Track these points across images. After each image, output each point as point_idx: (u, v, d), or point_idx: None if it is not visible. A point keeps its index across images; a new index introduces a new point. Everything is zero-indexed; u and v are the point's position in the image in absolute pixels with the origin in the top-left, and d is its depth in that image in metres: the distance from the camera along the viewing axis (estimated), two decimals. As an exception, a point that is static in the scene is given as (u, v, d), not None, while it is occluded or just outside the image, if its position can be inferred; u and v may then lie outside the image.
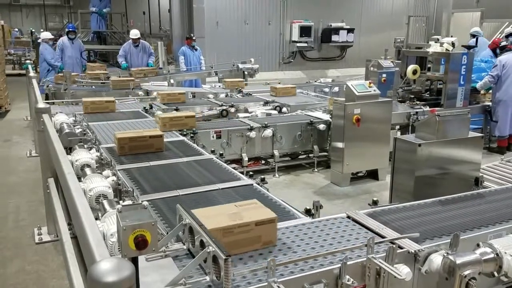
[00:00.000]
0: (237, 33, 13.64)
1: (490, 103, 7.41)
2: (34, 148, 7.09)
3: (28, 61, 10.11)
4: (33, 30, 24.19)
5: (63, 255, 2.79)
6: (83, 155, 3.79)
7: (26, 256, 4.05)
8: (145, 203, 1.79)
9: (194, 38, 11.13)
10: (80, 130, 4.79)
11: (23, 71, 13.05)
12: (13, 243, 4.30)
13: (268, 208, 2.76)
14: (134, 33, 10.49)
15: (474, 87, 7.37)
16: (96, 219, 2.73)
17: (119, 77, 8.90)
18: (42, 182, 4.25)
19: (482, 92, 7.60)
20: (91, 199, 3.00)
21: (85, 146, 4.28)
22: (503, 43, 7.62)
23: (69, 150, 4.24)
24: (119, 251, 1.84)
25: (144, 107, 6.33)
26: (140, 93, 7.98)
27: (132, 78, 8.50)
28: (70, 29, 11.26)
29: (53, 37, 10.57)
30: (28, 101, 8.45)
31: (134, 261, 1.66)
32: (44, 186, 4.16)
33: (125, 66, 10.09)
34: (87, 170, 3.58)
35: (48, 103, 5.19)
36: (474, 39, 8.47)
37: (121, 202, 3.05)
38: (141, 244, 1.63)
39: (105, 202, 2.86)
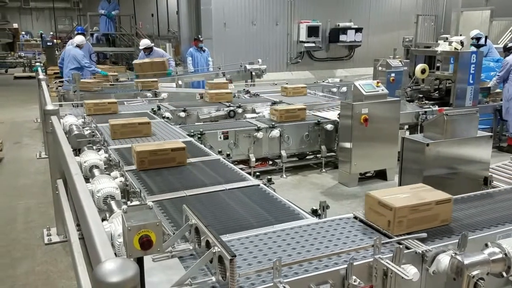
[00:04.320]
0: (245, 34, 13.65)
1: (500, 102, 7.36)
2: (44, 149, 7.16)
3: (38, 64, 10.21)
4: (42, 33, 24.44)
5: (71, 256, 2.81)
6: (91, 156, 3.82)
7: (35, 257, 4.08)
8: (150, 203, 1.80)
9: (201, 39, 11.16)
10: (89, 131, 4.82)
11: (33, 74, 13.20)
12: (22, 244, 4.34)
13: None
14: (143, 43, 10.41)
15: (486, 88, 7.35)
16: (104, 219, 2.76)
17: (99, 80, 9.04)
18: (51, 183, 4.28)
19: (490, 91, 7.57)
20: (99, 200, 3.02)
21: (94, 147, 4.31)
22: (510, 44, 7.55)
23: (78, 151, 4.28)
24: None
25: (152, 109, 6.36)
26: (149, 94, 8.02)
27: (97, 80, 8.67)
28: (79, 32, 11.36)
29: (85, 42, 10.45)
30: (39, 103, 8.52)
31: (140, 261, 1.67)
32: (53, 187, 4.20)
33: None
34: (95, 171, 3.60)
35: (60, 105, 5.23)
36: (483, 38, 8.40)
37: (128, 202, 3.07)
38: (146, 244, 1.64)
39: (112, 203, 2.88)
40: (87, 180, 3.42)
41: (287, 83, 9.19)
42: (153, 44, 10.73)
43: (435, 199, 2.38)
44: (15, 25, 26.35)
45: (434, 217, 2.38)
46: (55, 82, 9.75)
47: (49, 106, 4.25)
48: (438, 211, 2.39)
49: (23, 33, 27.40)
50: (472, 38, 9.74)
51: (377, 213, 2.40)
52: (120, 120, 4.81)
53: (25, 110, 10.85)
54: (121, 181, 3.44)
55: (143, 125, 4.73)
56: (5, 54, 21.60)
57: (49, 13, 31.54)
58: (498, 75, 7.18)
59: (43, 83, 6.69)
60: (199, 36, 11.38)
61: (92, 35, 16.74)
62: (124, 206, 1.77)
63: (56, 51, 16.56)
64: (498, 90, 7.55)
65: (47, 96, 5.51)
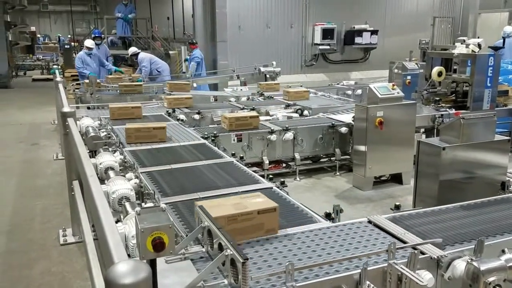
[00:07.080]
0: (259, 37, 13.66)
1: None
2: (61, 151, 7.25)
3: (55, 66, 10.37)
4: (60, 36, 24.83)
5: (86, 257, 2.84)
6: (107, 158, 3.85)
7: (51, 258, 4.13)
8: (163, 205, 1.81)
9: (190, 42, 11.47)
10: (105, 133, 4.87)
11: (51, 76, 13.42)
12: (39, 244, 4.40)
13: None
14: (130, 50, 11.26)
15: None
16: (119, 221, 2.78)
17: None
18: (67, 184, 4.34)
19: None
20: (114, 201, 3.04)
21: (110, 149, 4.35)
22: None
23: (94, 153, 4.33)
24: (139, 253, 1.85)
25: (167, 111, 6.40)
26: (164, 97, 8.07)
27: (99, 82, 8.97)
28: (96, 35, 11.52)
29: (92, 47, 10.71)
30: (56, 106, 8.65)
31: (152, 263, 1.68)
32: (69, 188, 4.25)
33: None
34: (111, 173, 3.63)
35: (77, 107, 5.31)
36: (501, 40, 8.28)
37: (143, 204, 3.09)
38: (158, 246, 1.64)
39: (127, 204, 2.90)
40: (102, 181, 3.46)
41: (301, 86, 9.18)
42: (139, 51, 11.26)
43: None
44: (33, 28, 26.81)
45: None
46: (72, 85, 9.89)
47: (66, 108, 4.31)
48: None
49: (40, 35, 27.87)
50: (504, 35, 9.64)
51: None
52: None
53: (43, 112, 11.01)
54: (135, 183, 3.47)
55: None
56: (24, 57, 22.01)
57: (67, 16, 31.98)
58: None
59: (60, 86, 6.79)
60: (192, 40, 11.69)
61: (107, 38, 16.96)
62: (138, 208, 1.78)
63: (74, 54, 16.77)
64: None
65: (64, 99, 5.59)
